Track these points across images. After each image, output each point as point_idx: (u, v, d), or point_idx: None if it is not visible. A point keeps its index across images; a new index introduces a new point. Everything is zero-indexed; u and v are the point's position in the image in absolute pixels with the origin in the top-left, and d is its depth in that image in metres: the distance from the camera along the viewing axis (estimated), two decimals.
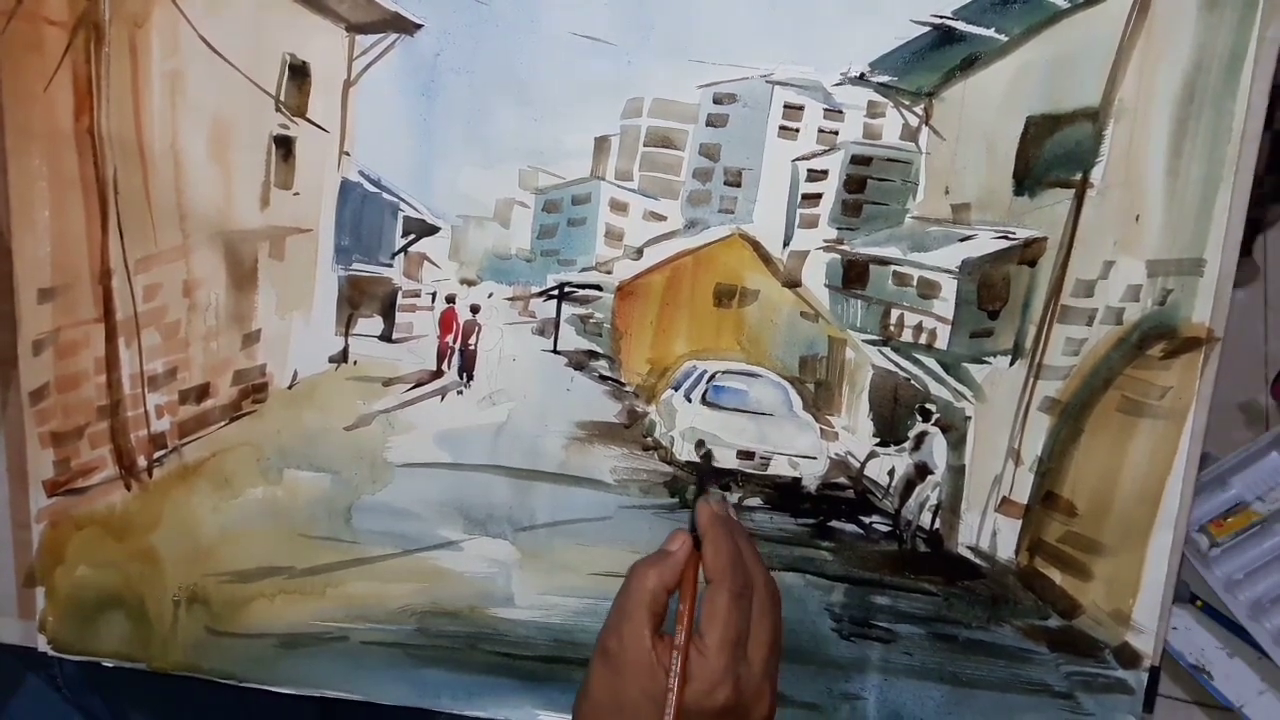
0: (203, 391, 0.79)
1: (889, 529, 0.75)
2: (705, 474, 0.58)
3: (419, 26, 0.72)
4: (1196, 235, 0.67)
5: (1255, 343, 1.41)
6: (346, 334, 0.78)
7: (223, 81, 0.74)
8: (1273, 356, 1.40)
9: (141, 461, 0.79)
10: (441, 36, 0.71)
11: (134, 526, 0.79)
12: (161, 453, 0.79)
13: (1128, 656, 0.72)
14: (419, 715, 0.79)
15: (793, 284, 0.73)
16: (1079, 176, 0.68)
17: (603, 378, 0.77)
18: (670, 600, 0.60)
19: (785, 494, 0.76)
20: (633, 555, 0.75)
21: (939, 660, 0.74)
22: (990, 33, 0.67)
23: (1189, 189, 0.66)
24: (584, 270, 0.76)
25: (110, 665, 0.80)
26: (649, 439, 0.76)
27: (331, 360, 0.78)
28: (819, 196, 0.72)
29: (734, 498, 0.76)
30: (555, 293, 0.76)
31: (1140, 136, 0.67)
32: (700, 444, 0.75)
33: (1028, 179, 0.68)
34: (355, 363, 0.78)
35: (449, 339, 0.77)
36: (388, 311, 0.78)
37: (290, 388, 0.78)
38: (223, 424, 0.79)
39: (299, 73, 0.74)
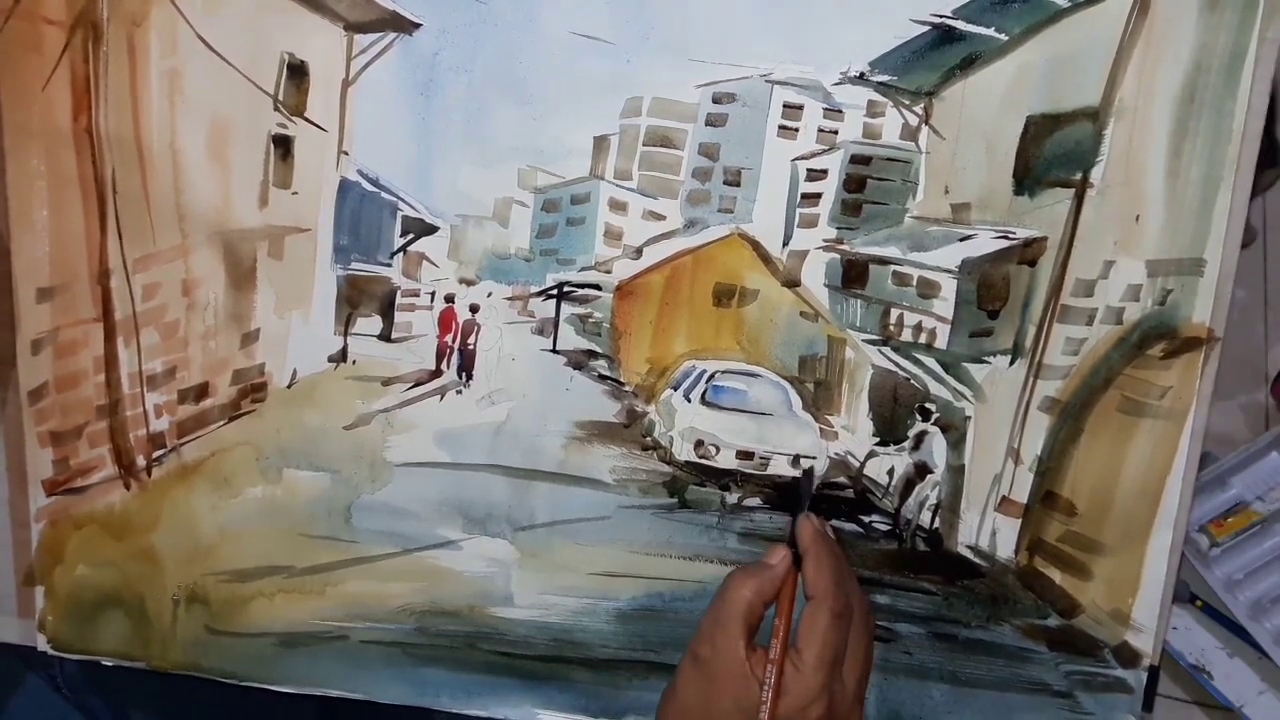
0: (202, 391, 0.79)
1: (888, 528, 0.75)
2: (806, 489, 0.58)
3: (417, 25, 0.72)
4: (1197, 235, 0.67)
5: (1255, 343, 1.41)
6: (345, 333, 0.78)
7: (221, 81, 0.74)
8: (1273, 356, 1.40)
9: (140, 461, 0.79)
10: (440, 35, 0.71)
11: (133, 526, 0.79)
12: (160, 452, 0.79)
13: (1127, 656, 0.72)
14: (419, 714, 0.79)
15: (792, 283, 0.73)
16: (1079, 176, 0.68)
17: (602, 377, 0.77)
18: (765, 614, 0.60)
19: (785, 494, 0.76)
20: (631, 555, 0.76)
21: (938, 659, 0.74)
22: (990, 32, 0.67)
23: (1189, 189, 0.67)
24: (583, 270, 0.76)
25: (110, 664, 0.80)
26: (648, 439, 0.76)
27: (331, 359, 0.78)
28: (818, 196, 0.72)
29: (733, 498, 0.76)
30: (554, 292, 0.76)
31: (1140, 136, 0.67)
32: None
33: (1028, 178, 0.68)
34: (354, 362, 0.78)
35: (448, 338, 0.78)
36: (387, 311, 0.78)
37: (289, 387, 0.78)
38: (222, 423, 0.79)
39: (297, 72, 0.74)
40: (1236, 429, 1.34)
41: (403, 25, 0.72)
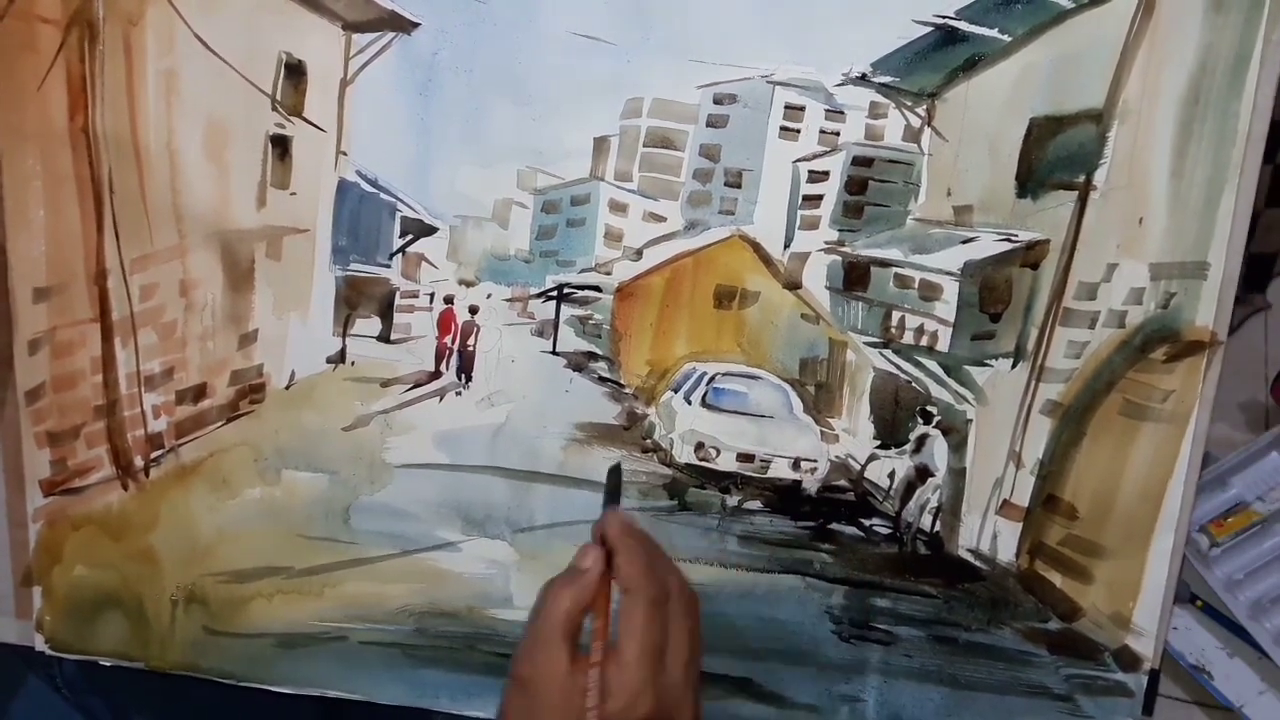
0: (200, 392, 0.78)
1: (889, 531, 0.75)
2: (613, 487, 0.57)
3: (416, 25, 0.71)
4: (1200, 238, 0.66)
5: (1255, 343, 1.41)
6: (344, 334, 0.77)
7: (218, 80, 0.73)
8: (1273, 356, 1.40)
9: (138, 461, 0.78)
10: (439, 35, 0.71)
11: (131, 526, 0.79)
12: (158, 453, 0.78)
13: (1128, 659, 0.72)
14: (419, 715, 0.79)
15: (793, 286, 0.73)
16: (1082, 179, 0.67)
17: (602, 379, 0.77)
18: (586, 618, 0.58)
19: (785, 496, 0.75)
20: None
21: (939, 662, 0.74)
22: (993, 33, 0.67)
23: (1193, 192, 0.66)
24: (583, 271, 0.75)
25: (108, 664, 0.80)
26: (648, 441, 0.76)
27: (329, 361, 0.78)
28: (820, 198, 0.72)
29: (733, 500, 0.76)
30: (554, 294, 0.76)
31: (1144, 139, 0.66)
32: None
33: (1030, 181, 0.68)
34: (353, 363, 0.78)
35: (447, 340, 0.77)
36: (386, 312, 0.78)
37: (288, 388, 0.78)
38: (220, 424, 0.79)
39: (295, 72, 0.74)
40: (1236, 429, 1.34)
41: (401, 25, 0.71)
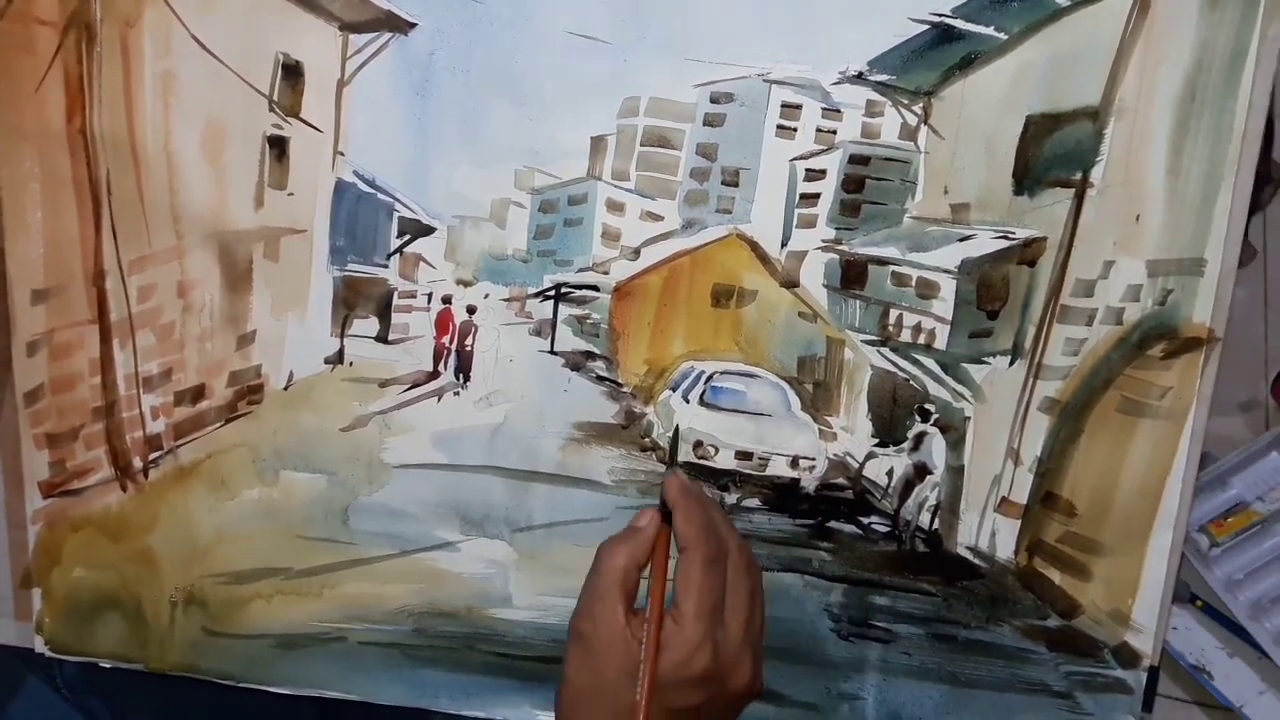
0: (198, 393, 0.79)
1: (888, 529, 0.75)
2: (673, 447, 0.57)
3: (413, 25, 0.71)
4: (1197, 235, 0.66)
5: (1255, 343, 1.41)
6: (342, 335, 0.78)
7: (216, 81, 0.73)
8: (1273, 356, 1.40)
9: (137, 463, 0.78)
10: (435, 35, 0.71)
11: (130, 528, 0.79)
12: (157, 454, 0.79)
13: (1127, 656, 0.72)
14: (418, 715, 0.79)
15: (791, 284, 0.73)
16: (1079, 176, 0.67)
17: (600, 378, 0.77)
18: (642, 577, 0.59)
19: (783, 494, 0.75)
20: None
21: (938, 660, 0.74)
22: (989, 31, 0.67)
23: (1190, 188, 0.66)
24: (581, 271, 0.75)
25: (107, 666, 0.80)
26: (646, 440, 0.76)
27: (327, 361, 0.78)
28: (817, 196, 0.72)
29: (732, 498, 0.76)
30: (552, 293, 0.76)
31: (1141, 136, 0.66)
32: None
33: (1027, 178, 0.68)
34: (351, 364, 0.78)
35: (445, 340, 0.77)
36: (383, 312, 0.78)
37: (286, 389, 0.78)
38: (218, 425, 0.79)
39: (292, 72, 0.74)
40: (1236, 429, 1.34)
41: (398, 25, 0.72)
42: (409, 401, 0.77)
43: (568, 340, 0.77)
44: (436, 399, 0.77)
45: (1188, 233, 0.67)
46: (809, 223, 0.72)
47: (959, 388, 0.72)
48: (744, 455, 0.76)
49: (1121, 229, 0.68)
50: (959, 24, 0.66)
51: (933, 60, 0.68)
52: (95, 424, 0.78)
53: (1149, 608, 0.71)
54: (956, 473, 0.73)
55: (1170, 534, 0.69)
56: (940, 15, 0.67)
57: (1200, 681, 1.09)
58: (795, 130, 0.71)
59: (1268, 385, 1.39)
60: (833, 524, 0.75)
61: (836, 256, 0.73)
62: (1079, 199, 0.68)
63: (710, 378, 0.75)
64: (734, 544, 0.59)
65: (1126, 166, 0.67)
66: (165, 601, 0.79)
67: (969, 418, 0.72)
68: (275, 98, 0.74)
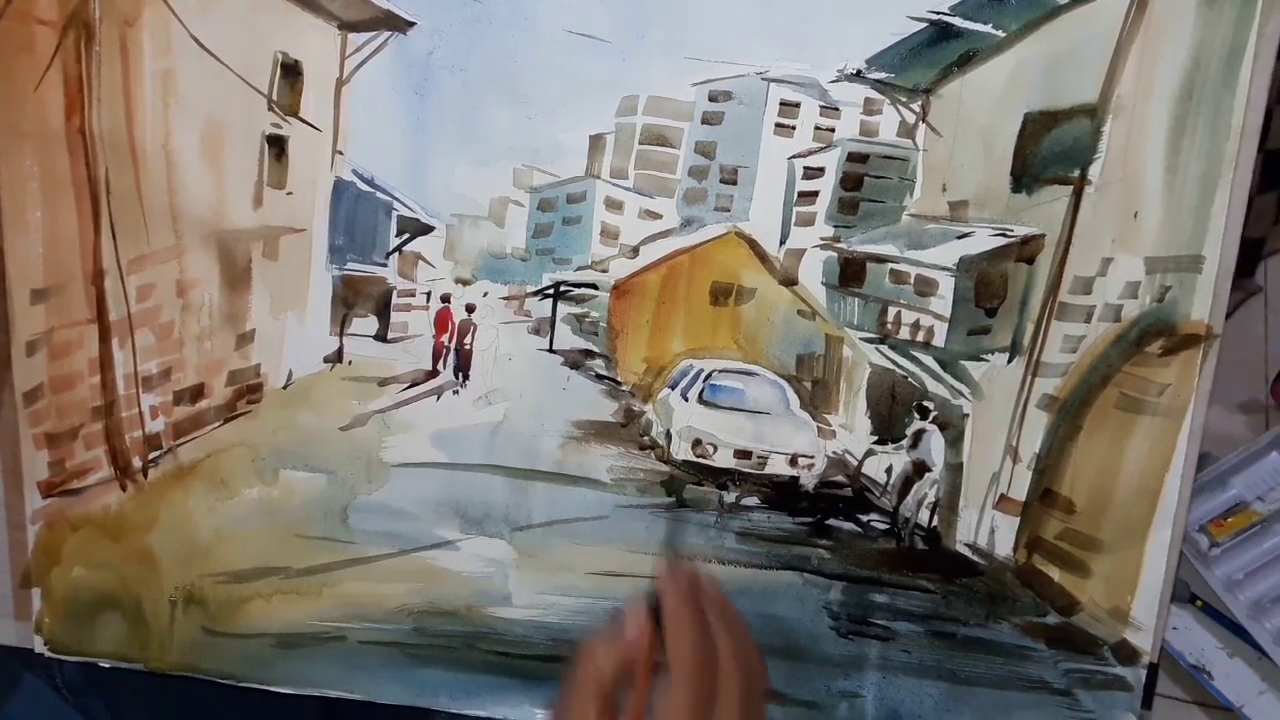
0: (197, 392, 0.79)
1: (887, 527, 0.75)
2: (671, 537, 0.53)
3: (412, 24, 0.72)
4: (1195, 232, 0.67)
5: (1255, 343, 1.42)
6: (341, 334, 0.78)
7: (215, 81, 0.73)
8: (1273, 356, 1.40)
9: (136, 462, 0.79)
10: (434, 34, 0.71)
11: (130, 527, 0.79)
12: (156, 453, 0.79)
13: (1126, 653, 0.72)
14: (422, 715, 0.79)
15: (789, 282, 0.73)
16: (1077, 173, 0.68)
17: (599, 377, 0.77)
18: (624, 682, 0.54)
19: (783, 493, 0.76)
20: (629, 554, 0.76)
21: (937, 658, 0.74)
22: (987, 29, 0.67)
23: (1187, 186, 0.67)
24: (579, 269, 0.76)
25: (107, 666, 0.80)
26: (645, 438, 0.76)
27: (326, 360, 0.78)
28: (815, 194, 0.72)
29: (731, 497, 0.76)
30: (551, 292, 0.76)
31: (1138, 133, 0.67)
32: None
33: (1025, 176, 0.68)
34: (350, 363, 0.78)
35: (444, 338, 0.78)
36: (382, 311, 0.78)
37: (285, 388, 0.78)
38: (218, 424, 0.79)
39: (291, 71, 0.74)
40: (1236, 429, 1.34)
41: (397, 24, 0.72)
42: (408, 400, 0.78)
43: (567, 339, 0.77)
44: (435, 398, 0.77)
45: (1186, 230, 0.67)
46: (807, 221, 0.73)
47: (957, 385, 0.72)
48: (743, 454, 0.76)
49: (1120, 226, 0.68)
50: (957, 22, 0.67)
51: (931, 58, 0.68)
52: (95, 423, 0.78)
53: (1148, 605, 0.71)
54: (955, 470, 0.73)
55: (1169, 531, 0.70)
56: (938, 13, 0.67)
57: (1200, 681, 1.10)
58: (794, 128, 0.71)
59: (1268, 385, 1.40)
60: (832, 522, 0.75)
61: (835, 254, 0.73)
62: (1077, 196, 0.68)
63: (709, 376, 0.75)
64: (728, 649, 0.53)
65: (1124, 164, 0.67)
66: (165, 601, 0.79)
67: (967, 415, 0.73)
68: (274, 97, 0.74)
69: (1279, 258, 1.43)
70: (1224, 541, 1.11)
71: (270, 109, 0.74)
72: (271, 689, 0.79)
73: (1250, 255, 1.39)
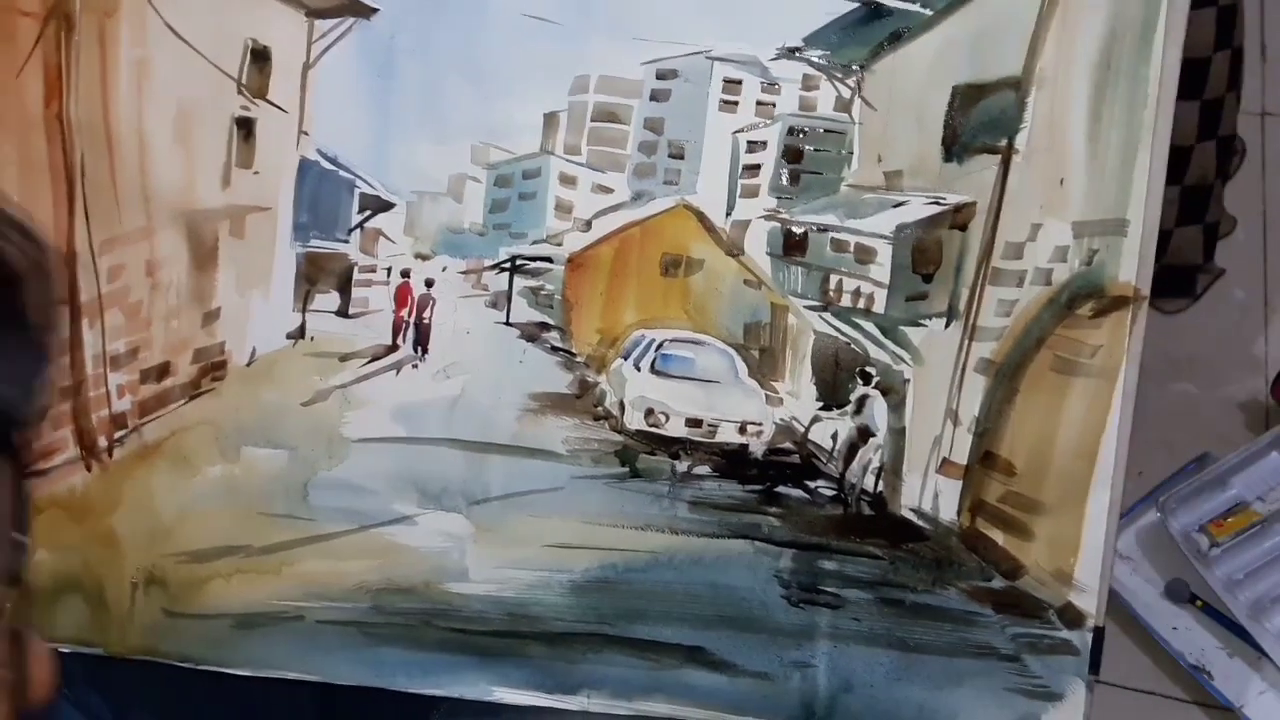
0: (163, 370, 0.89)
1: (834, 493, 0.85)
2: None
3: (375, 10, 0.83)
4: (1119, 197, 0.77)
5: (1255, 343, 1.51)
6: (304, 310, 0.89)
7: (188, 67, 0.85)
8: (1273, 356, 1.49)
9: (102, 442, 0.87)
10: (396, 19, 0.83)
11: (94, 508, 0.86)
12: (122, 433, 0.87)
13: (1071, 616, 0.81)
14: (417, 709, 0.86)
15: (735, 252, 0.85)
16: (1004, 143, 0.79)
17: (554, 349, 0.87)
18: None
19: (733, 461, 0.86)
20: (585, 526, 0.85)
21: (887, 625, 0.83)
22: (915, 7, 0.79)
23: (1109, 152, 0.77)
24: (535, 243, 0.87)
25: (66, 651, 0.88)
26: (600, 408, 0.87)
27: (289, 337, 0.88)
28: (759, 167, 0.84)
29: (683, 467, 0.86)
30: (507, 265, 0.87)
31: (1061, 104, 0.77)
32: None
33: (956, 146, 0.79)
34: (312, 339, 0.88)
35: (404, 313, 0.88)
36: (344, 287, 0.89)
37: (249, 365, 0.89)
38: (182, 402, 0.88)
39: (260, 57, 0.86)
40: (1236, 429, 1.43)
41: (361, 10, 0.84)
42: (368, 375, 0.88)
43: (523, 311, 0.88)
44: (395, 372, 0.88)
45: (1110, 195, 0.77)
46: (752, 193, 0.84)
47: (898, 350, 0.82)
48: (694, 422, 0.86)
49: (1047, 193, 0.78)
50: (886, 2, 0.78)
51: (863, 36, 0.79)
52: (62, 403, 0.86)
53: (1091, 567, 0.79)
54: (898, 435, 0.83)
55: (1108, 493, 0.79)
56: None
57: (1200, 681, 1.17)
58: (737, 104, 0.83)
59: (1268, 385, 1.49)
60: (781, 489, 0.85)
61: (778, 225, 0.84)
62: (1005, 165, 0.79)
63: (660, 345, 0.86)
64: None
65: (1049, 133, 0.78)
66: (126, 583, 0.86)
67: (908, 380, 0.83)
68: (244, 81, 0.86)
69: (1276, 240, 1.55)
70: (1224, 541, 1.19)
71: (240, 92, 0.87)
72: (231, 672, 0.85)
73: (1211, 239, 1.53)
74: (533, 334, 0.87)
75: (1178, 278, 1.61)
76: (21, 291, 0.40)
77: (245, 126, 0.87)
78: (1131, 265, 0.77)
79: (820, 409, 0.84)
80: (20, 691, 0.46)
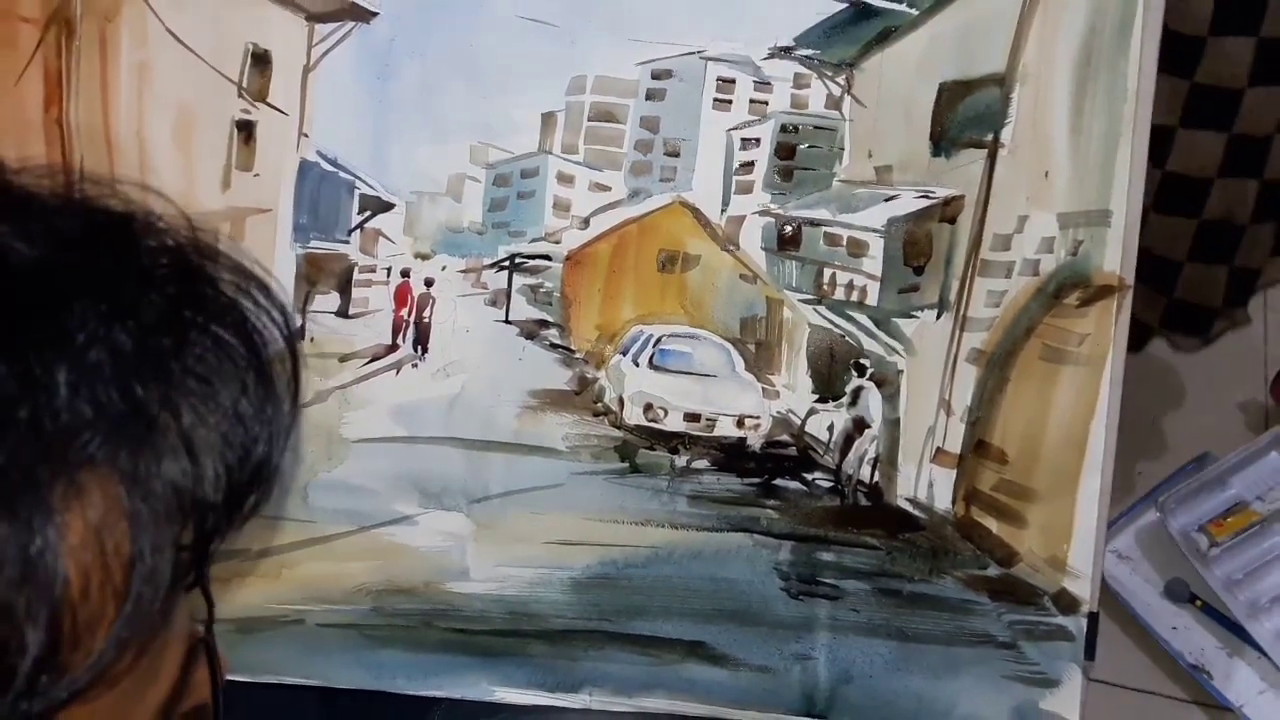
0: None
1: (831, 484, 0.90)
2: None
3: (374, 14, 0.89)
4: (1101, 188, 0.83)
5: (1255, 343, 1.57)
6: (304, 310, 0.94)
7: (188, 71, 0.90)
8: (1273, 356, 1.55)
9: None
10: (395, 22, 0.89)
11: None
12: None
13: (1066, 602, 0.86)
14: (417, 710, 0.89)
15: (731, 248, 0.90)
16: (990, 137, 0.85)
17: (553, 346, 0.93)
18: None
19: (731, 454, 0.91)
20: (585, 522, 0.90)
21: (885, 616, 0.88)
22: (902, 7, 0.85)
23: (1092, 145, 0.83)
24: (534, 241, 0.92)
25: None
26: (599, 404, 0.92)
27: None
28: (753, 164, 0.89)
29: (682, 461, 0.91)
30: (506, 264, 0.93)
31: (1044, 98, 0.83)
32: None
33: (944, 141, 0.85)
34: (312, 339, 0.93)
35: (404, 312, 0.93)
36: (344, 287, 0.94)
37: None
38: None
39: (261, 60, 0.92)
40: (1236, 429, 1.48)
41: (361, 14, 0.90)
42: (368, 375, 0.93)
43: (522, 309, 0.93)
44: (395, 372, 0.93)
45: (1093, 186, 0.83)
46: (746, 189, 0.90)
47: (891, 342, 0.88)
48: (692, 417, 0.92)
49: (1032, 185, 0.84)
50: (874, 1, 0.85)
51: (852, 35, 0.86)
52: None
53: (1084, 553, 0.84)
54: (893, 425, 0.88)
55: (1099, 478, 0.84)
56: None
57: (1200, 681, 1.22)
58: (730, 103, 0.89)
59: (1268, 385, 1.55)
60: (779, 481, 0.90)
61: (773, 220, 0.90)
62: (991, 159, 0.85)
63: (658, 341, 0.91)
64: None
65: (1033, 127, 0.84)
66: None
67: (902, 371, 0.88)
68: (244, 84, 0.92)
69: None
70: (1224, 541, 1.24)
71: (240, 96, 0.92)
72: (232, 678, 0.91)
73: (1244, 285, 1.55)
74: (532, 331, 0.93)
75: (1189, 315, 1.60)
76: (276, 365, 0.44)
77: (246, 129, 0.92)
78: (1116, 255, 0.83)
79: (816, 401, 0.89)
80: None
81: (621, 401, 0.91)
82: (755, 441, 0.90)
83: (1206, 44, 1.30)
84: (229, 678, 0.88)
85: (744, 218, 0.90)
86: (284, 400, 0.44)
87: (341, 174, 0.92)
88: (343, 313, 0.94)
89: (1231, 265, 1.52)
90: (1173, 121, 1.37)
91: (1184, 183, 1.42)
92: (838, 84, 0.87)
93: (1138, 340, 1.59)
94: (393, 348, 0.93)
